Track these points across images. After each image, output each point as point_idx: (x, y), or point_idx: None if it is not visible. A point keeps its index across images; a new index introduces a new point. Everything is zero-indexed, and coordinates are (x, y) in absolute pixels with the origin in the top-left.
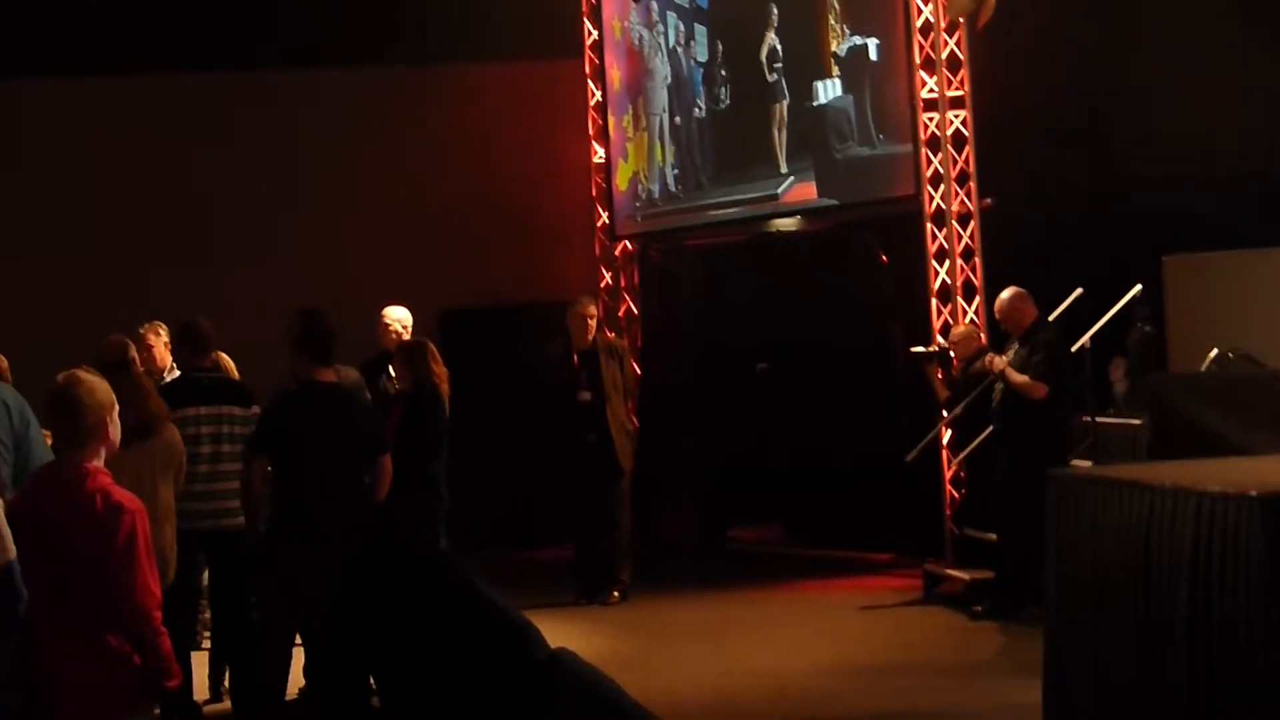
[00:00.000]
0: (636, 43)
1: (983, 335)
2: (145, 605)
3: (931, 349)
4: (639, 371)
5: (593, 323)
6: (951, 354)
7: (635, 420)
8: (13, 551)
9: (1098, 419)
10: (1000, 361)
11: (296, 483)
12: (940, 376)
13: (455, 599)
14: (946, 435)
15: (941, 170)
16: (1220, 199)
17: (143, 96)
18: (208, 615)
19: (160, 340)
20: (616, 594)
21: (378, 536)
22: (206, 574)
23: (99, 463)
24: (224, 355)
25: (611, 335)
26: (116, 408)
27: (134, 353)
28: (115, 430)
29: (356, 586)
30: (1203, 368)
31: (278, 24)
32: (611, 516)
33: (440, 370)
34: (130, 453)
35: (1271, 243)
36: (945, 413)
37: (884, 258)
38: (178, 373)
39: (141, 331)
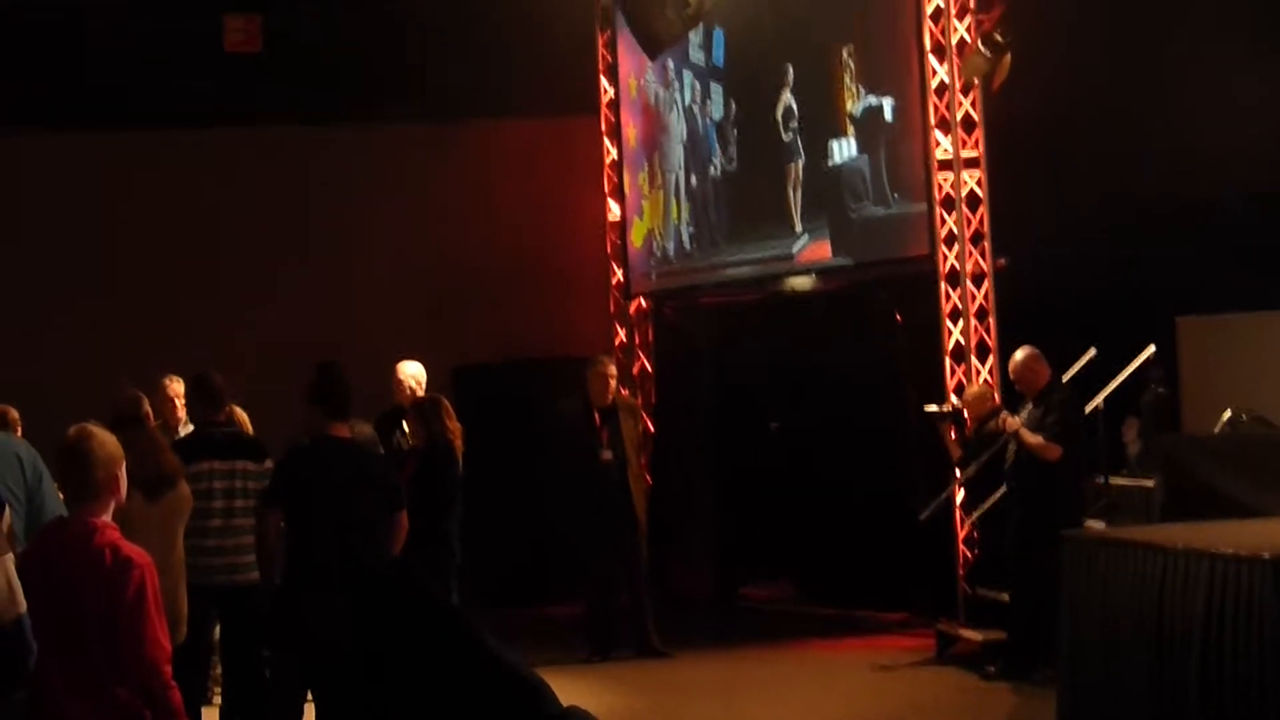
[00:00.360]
0: (653, 100)
1: (996, 395)
2: (155, 659)
3: (945, 409)
4: (652, 429)
5: (613, 381)
6: (965, 414)
7: (648, 478)
8: (23, 605)
9: (1111, 480)
10: (1014, 422)
11: (309, 537)
12: (954, 436)
13: (467, 655)
14: (960, 495)
15: (956, 230)
16: (1235, 261)
17: (159, 150)
18: (219, 670)
19: (179, 393)
20: (655, 640)
21: (390, 590)
22: (218, 629)
23: (108, 517)
24: (238, 409)
25: (625, 393)
26: (125, 462)
27: (147, 406)
28: (124, 485)
29: (368, 640)
30: (1216, 429)
31: (295, 80)
32: (635, 572)
33: (454, 426)
34: (147, 507)
35: None
36: (959, 472)
37: (898, 317)
38: (192, 426)
39: (163, 384)
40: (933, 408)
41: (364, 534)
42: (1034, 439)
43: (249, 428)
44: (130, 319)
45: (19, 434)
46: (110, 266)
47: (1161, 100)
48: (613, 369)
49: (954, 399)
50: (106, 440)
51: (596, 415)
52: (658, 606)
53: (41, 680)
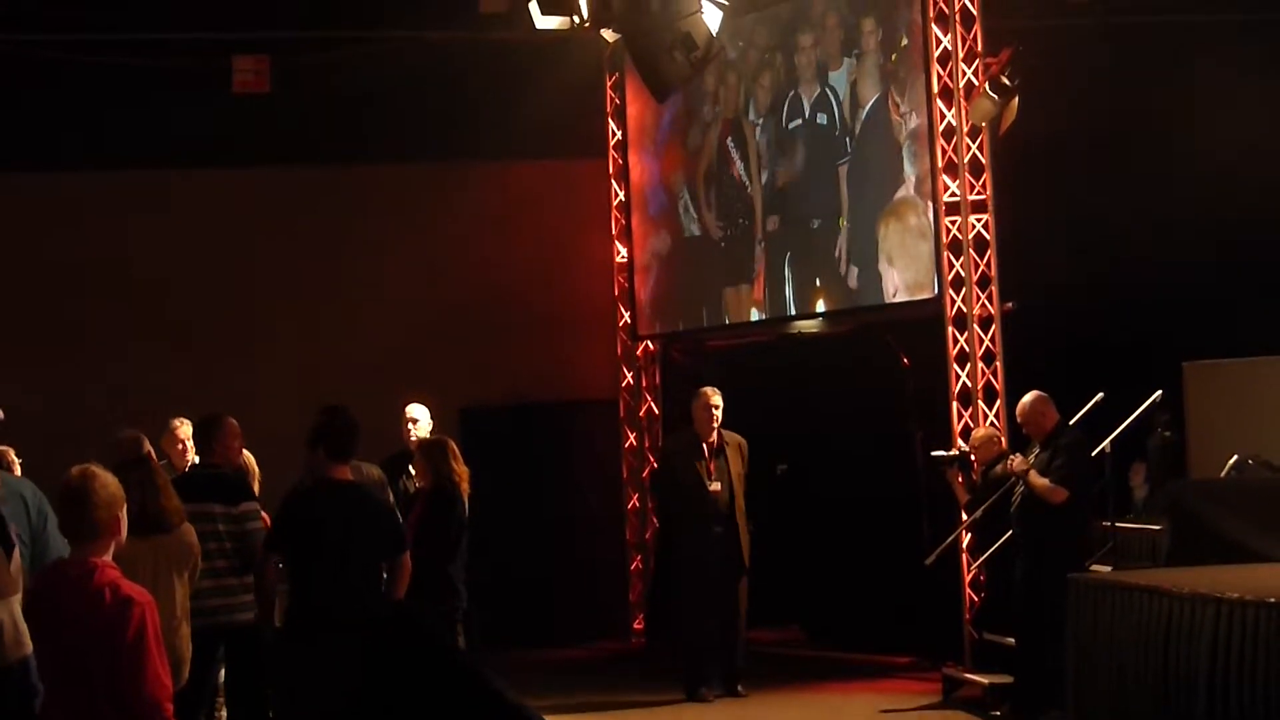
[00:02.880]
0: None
1: (1004, 439)
2: (156, 697)
3: (952, 453)
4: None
5: (718, 413)
6: (972, 457)
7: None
8: (29, 646)
9: (1117, 523)
10: (1022, 462)
11: (309, 580)
12: (960, 480)
13: (471, 699)
14: (966, 538)
15: (963, 274)
16: (1243, 307)
17: (167, 189)
18: (224, 714)
19: (186, 436)
20: (742, 684)
21: (394, 632)
22: (223, 671)
23: (108, 557)
24: (247, 453)
25: (731, 432)
26: (125, 503)
27: (149, 447)
28: (124, 526)
29: (372, 683)
30: (1223, 474)
31: (303, 121)
32: (734, 611)
33: (460, 469)
34: (145, 548)
35: None
36: (965, 515)
37: (905, 360)
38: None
39: (170, 426)
40: (939, 453)
41: (365, 576)
42: (1041, 482)
43: (255, 471)
44: (134, 359)
45: (17, 473)
46: (115, 307)
47: (1170, 148)
48: (715, 400)
49: (961, 443)
50: (108, 481)
51: (705, 448)
52: (667, 651)
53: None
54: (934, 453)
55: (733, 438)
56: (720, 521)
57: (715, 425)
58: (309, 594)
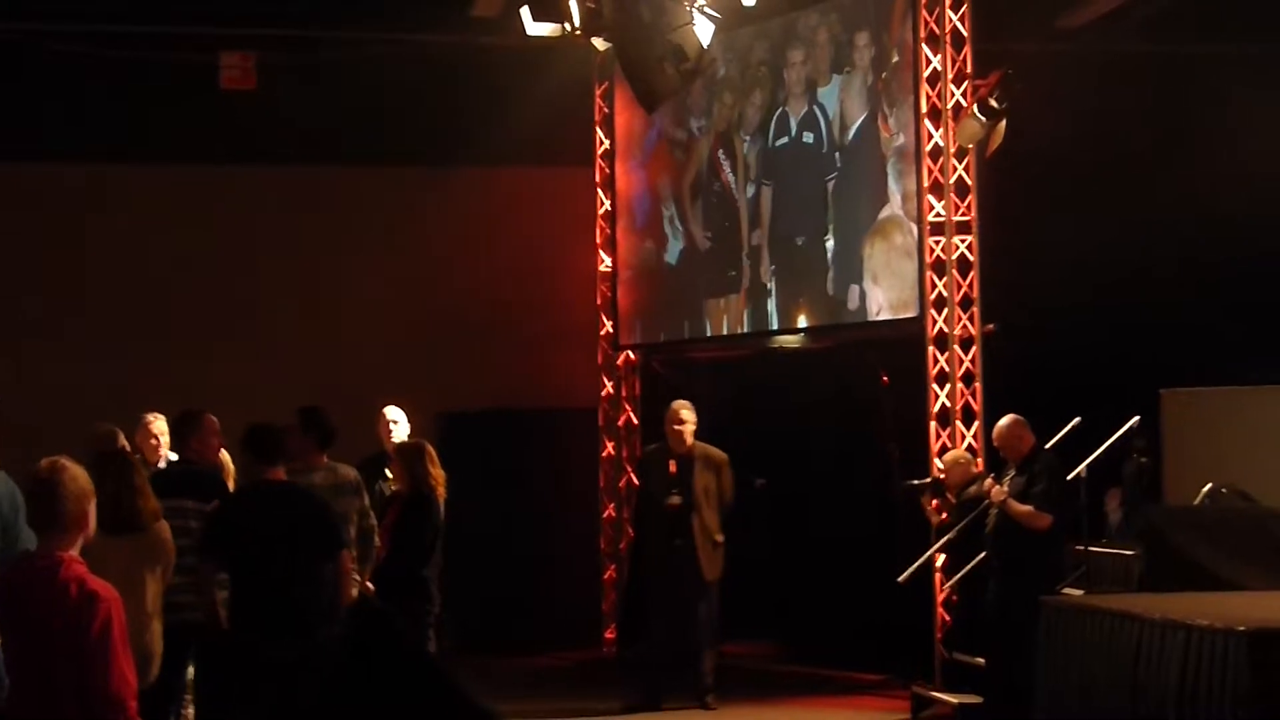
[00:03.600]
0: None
1: (979, 461)
2: (120, 694)
3: (926, 480)
4: (636, 483)
5: (686, 428)
6: (945, 480)
7: (721, 533)
8: None
9: (1091, 548)
10: (1000, 492)
11: (245, 583)
12: (935, 505)
13: (441, 703)
14: (939, 558)
15: (946, 294)
16: (1221, 335)
17: (150, 184)
18: (191, 711)
19: (160, 431)
20: (712, 697)
21: (366, 635)
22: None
23: (75, 551)
24: (224, 452)
25: (710, 446)
26: (95, 498)
27: (124, 441)
28: (93, 520)
29: (344, 684)
30: (1197, 501)
31: (288, 122)
32: (695, 625)
33: (437, 473)
34: (119, 545)
35: (1268, 380)
36: (938, 536)
37: (885, 378)
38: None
39: (144, 421)
40: (914, 481)
41: (303, 579)
42: (1023, 509)
43: (231, 470)
44: (115, 356)
45: None
46: (98, 301)
47: (1155, 176)
48: (684, 414)
49: (937, 463)
50: (78, 475)
51: (672, 462)
52: (641, 663)
53: (12, 714)
54: (908, 482)
55: (710, 453)
56: (680, 535)
57: (685, 439)
58: (247, 598)
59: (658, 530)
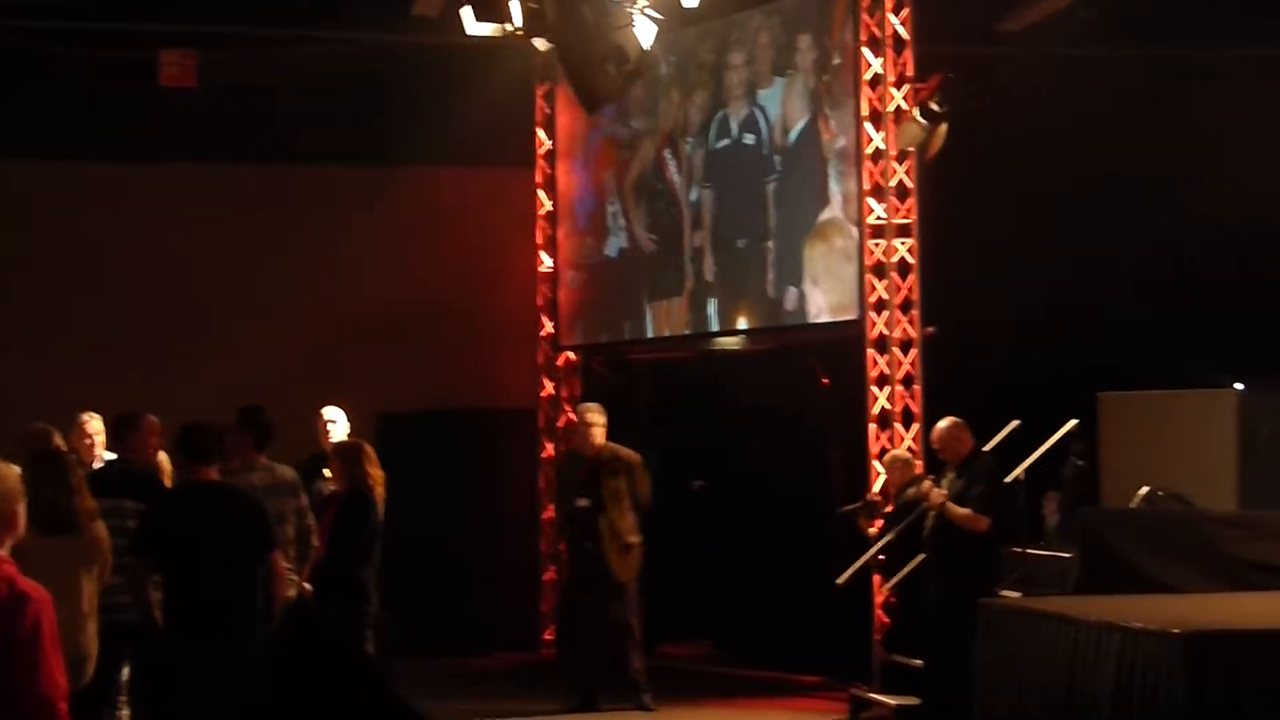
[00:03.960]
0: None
1: (919, 463)
2: (49, 696)
3: (858, 505)
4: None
5: (593, 431)
6: (880, 503)
7: (637, 535)
8: None
9: (1028, 550)
10: (939, 495)
11: (177, 584)
12: (877, 526)
13: (376, 705)
14: (878, 561)
15: (886, 297)
16: (1158, 339)
17: (87, 183)
18: (125, 713)
19: (96, 431)
20: (648, 696)
21: (303, 636)
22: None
23: (4, 552)
24: (163, 454)
25: (621, 448)
26: (25, 498)
27: (59, 441)
28: (22, 520)
29: (280, 685)
30: (1133, 505)
31: (228, 120)
32: (615, 624)
33: (375, 473)
34: (54, 546)
35: (1205, 383)
36: (878, 540)
37: (825, 381)
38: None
39: (79, 421)
40: (848, 507)
41: (235, 579)
42: (961, 512)
43: (168, 470)
44: (51, 355)
45: None
46: (32, 300)
47: (1094, 180)
48: (590, 418)
49: (877, 465)
50: (7, 475)
51: (584, 464)
52: (574, 663)
53: None
54: (842, 509)
55: (620, 455)
56: (589, 537)
57: (594, 442)
58: (180, 599)
59: (569, 533)
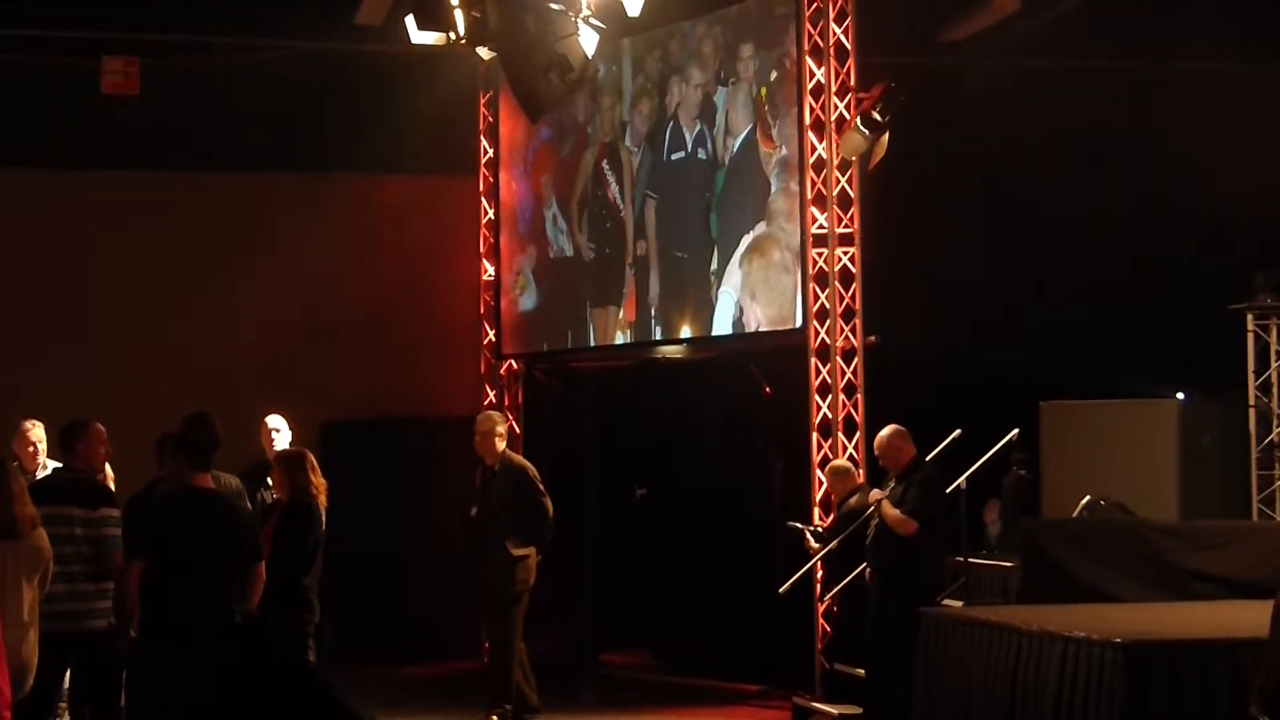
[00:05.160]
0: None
1: (860, 472)
2: None
3: (811, 529)
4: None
5: (492, 440)
6: (819, 530)
7: (525, 548)
8: None
9: (970, 559)
10: (878, 492)
11: (168, 588)
12: (815, 543)
13: (318, 712)
14: (820, 570)
15: (828, 305)
16: (1100, 348)
17: (29, 189)
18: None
19: (38, 439)
20: (495, 718)
21: (246, 645)
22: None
23: None
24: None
25: (517, 457)
26: None
27: None
28: None
29: (224, 695)
30: (1075, 514)
31: (171, 128)
32: (494, 635)
33: (318, 481)
34: None
35: (1146, 393)
36: (813, 542)
37: (767, 390)
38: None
39: (22, 429)
40: (795, 524)
41: (224, 588)
42: (893, 512)
43: (111, 478)
44: None
45: None
46: None
47: (1035, 189)
48: (486, 427)
49: (819, 474)
50: None
51: (479, 473)
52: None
53: None
54: (790, 524)
55: (513, 463)
56: (480, 546)
57: (490, 450)
58: (166, 603)
59: (466, 543)
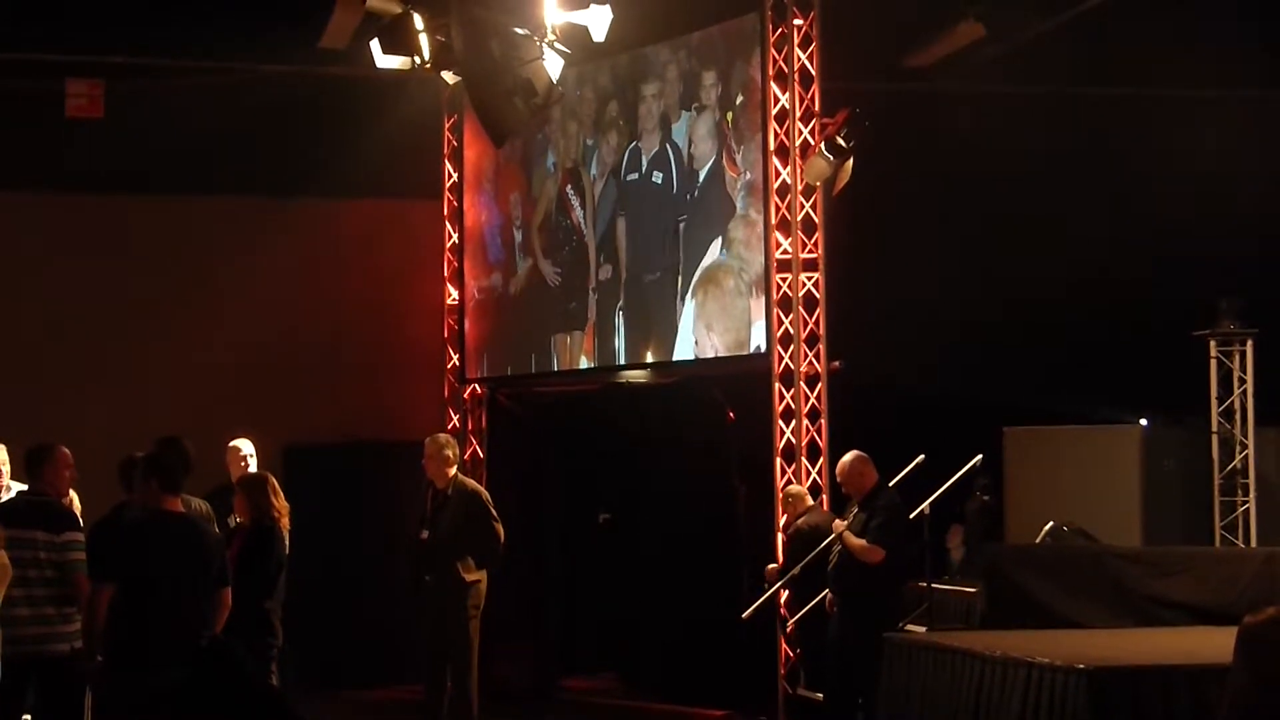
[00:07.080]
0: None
1: (824, 497)
2: None
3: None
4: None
5: (440, 462)
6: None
7: (476, 572)
8: None
9: (933, 585)
10: (839, 523)
11: (139, 611)
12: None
13: None
14: (783, 595)
15: (792, 331)
16: (1062, 375)
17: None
18: None
19: (1, 461)
20: None
21: (210, 669)
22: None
23: None
24: (73, 489)
25: (469, 481)
26: None
27: None
28: None
29: (185, 716)
30: (1038, 539)
31: (135, 151)
32: (451, 662)
33: (281, 505)
34: None
35: (1109, 419)
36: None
37: (731, 414)
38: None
39: None
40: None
41: (193, 611)
42: (857, 542)
43: (76, 506)
44: None
45: None
46: None
47: (998, 214)
48: (436, 449)
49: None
50: None
51: (429, 495)
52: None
53: None
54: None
55: (466, 487)
56: (429, 569)
57: (439, 473)
58: (136, 627)
59: (411, 566)
